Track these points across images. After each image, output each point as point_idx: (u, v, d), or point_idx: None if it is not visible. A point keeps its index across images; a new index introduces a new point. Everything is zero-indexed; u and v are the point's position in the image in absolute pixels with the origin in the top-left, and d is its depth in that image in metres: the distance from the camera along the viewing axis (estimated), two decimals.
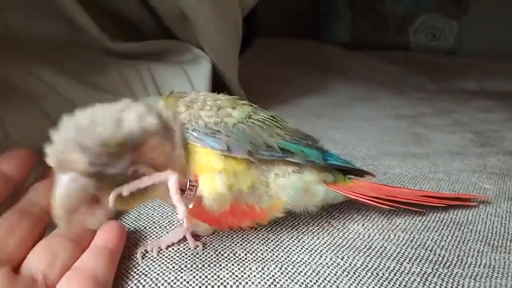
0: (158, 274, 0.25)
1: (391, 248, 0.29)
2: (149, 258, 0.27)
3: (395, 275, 0.27)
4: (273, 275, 0.26)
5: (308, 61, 1.08)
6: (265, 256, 0.28)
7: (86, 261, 0.24)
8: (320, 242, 0.29)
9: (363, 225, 0.32)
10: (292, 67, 0.98)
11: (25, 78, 0.36)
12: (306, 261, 0.27)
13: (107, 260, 0.24)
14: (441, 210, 0.35)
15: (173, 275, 0.25)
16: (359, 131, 0.59)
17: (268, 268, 0.26)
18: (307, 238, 0.30)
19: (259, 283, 0.25)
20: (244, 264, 0.27)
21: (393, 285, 0.26)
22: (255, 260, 0.27)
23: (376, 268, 0.27)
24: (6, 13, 0.36)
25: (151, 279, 0.25)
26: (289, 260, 0.27)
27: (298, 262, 0.27)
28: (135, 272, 0.26)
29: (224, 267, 0.26)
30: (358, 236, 0.31)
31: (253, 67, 0.86)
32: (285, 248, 0.29)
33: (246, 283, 0.25)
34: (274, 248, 0.29)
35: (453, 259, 0.29)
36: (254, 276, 0.26)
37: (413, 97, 0.88)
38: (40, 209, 0.26)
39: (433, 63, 1.31)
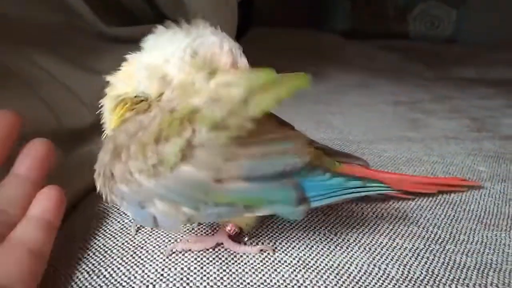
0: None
1: (384, 225, 0.30)
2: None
3: (387, 250, 0.27)
4: (268, 255, 0.26)
5: (305, 49, 1.08)
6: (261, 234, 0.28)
7: (21, 232, 0.23)
8: (314, 220, 0.30)
9: (356, 204, 0.32)
10: (289, 56, 0.97)
11: (21, 64, 0.36)
12: (300, 237, 0.28)
13: (44, 232, 0.23)
14: None
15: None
16: (355, 117, 0.59)
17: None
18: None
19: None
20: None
21: (385, 259, 0.26)
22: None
23: (368, 243, 0.27)
24: (1, 1, 0.36)
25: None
26: (283, 236, 0.28)
27: (292, 238, 0.27)
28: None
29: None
30: (352, 215, 0.31)
31: (248, 56, 0.86)
32: (279, 225, 0.29)
33: None
34: (269, 227, 0.29)
35: (445, 236, 0.29)
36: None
37: (411, 84, 0.88)
38: None
39: (432, 51, 1.30)
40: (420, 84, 0.88)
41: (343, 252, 0.26)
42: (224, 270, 0.24)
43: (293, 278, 0.24)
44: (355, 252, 0.26)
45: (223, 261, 0.25)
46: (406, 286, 0.24)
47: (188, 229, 0.28)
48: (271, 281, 0.24)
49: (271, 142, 0.23)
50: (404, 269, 0.25)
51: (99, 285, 0.24)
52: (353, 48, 1.26)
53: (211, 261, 0.25)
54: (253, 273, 0.24)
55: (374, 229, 0.29)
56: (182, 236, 0.27)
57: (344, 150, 0.45)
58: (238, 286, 0.23)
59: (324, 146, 0.31)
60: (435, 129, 0.55)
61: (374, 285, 0.24)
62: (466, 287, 0.24)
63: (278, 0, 1.33)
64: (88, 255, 0.26)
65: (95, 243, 0.27)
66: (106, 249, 0.27)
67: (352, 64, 1.07)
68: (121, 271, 0.24)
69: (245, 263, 0.25)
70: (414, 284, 0.24)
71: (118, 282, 0.24)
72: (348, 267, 0.25)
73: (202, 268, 0.24)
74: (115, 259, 0.25)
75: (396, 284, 0.24)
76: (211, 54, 0.23)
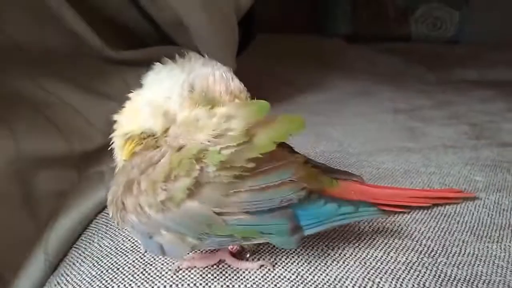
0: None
1: (379, 239, 0.31)
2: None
3: (381, 263, 0.29)
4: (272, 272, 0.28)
5: (307, 56, 1.09)
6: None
7: None
8: (312, 235, 0.31)
9: None
10: (290, 63, 0.99)
11: (32, 89, 0.38)
12: (299, 252, 0.29)
13: None
14: None
15: None
16: (355, 128, 0.61)
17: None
18: None
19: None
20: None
21: (378, 273, 0.28)
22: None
23: (364, 257, 0.29)
24: (11, 26, 0.38)
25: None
26: (282, 251, 0.29)
27: (291, 253, 0.29)
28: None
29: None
30: (349, 229, 0.32)
31: (250, 64, 0.88)
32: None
33: None
34: None
35: (438, 249, 0.31)
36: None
37: (412, 90, 0.89)
38: None
39: (434, 53, 1.31)
40: (420, 89, 0.89)
41: (340, 266, 0.28)
42: (228, 286, 0.26)
43: None
44: (350, 267, 0.28)
45: (227, 277, 0.27)
46: None
47: None
48: None
49: (269, 174, 0.25)
50: (396, 282, 0.27)
51: None
52: (355, 52, 1.27)
53: (215, 277, 0.27)
54: None
55: (369, 243, 0.31)
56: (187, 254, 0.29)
57: (343, 162, 0.46)
58: None
59: (320, 164, 0.32)
60: (434, 137, 0.57)
61: None
62: None
63: (278, 7, 1.34)
64: (102, 272, 0.28)
65: (107, 261, 0.29)
66: (118, 267, 0.29)
67: (353, 70, 1.08)
68: (132, 286, 0.26)
69: (247, 279, 0.27)
70: None
71: None
72: (344, 282, 0.27)
73: (207, 284, 0.26)
74: (126, 276, 0.27)
75: None
76: (206, 85, 0.25)
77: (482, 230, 0.34)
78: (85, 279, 0.28)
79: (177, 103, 0.26)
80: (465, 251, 0.31)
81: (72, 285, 0.28)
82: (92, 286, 0.27)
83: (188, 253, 0.29)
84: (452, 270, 0.28)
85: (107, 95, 0.40)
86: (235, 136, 0.24)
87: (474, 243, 0.32)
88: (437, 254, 0.30)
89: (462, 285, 0.27)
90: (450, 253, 0.30)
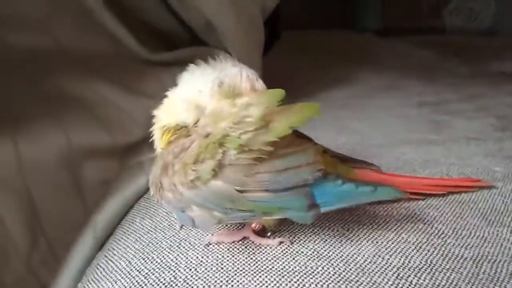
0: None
1: (392, 222, 0.34)
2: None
3: (392, 243, 0.31)
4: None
5: (336, 51, 1.10)
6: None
7: None
8: (329, 218, 0.34)
9: (370, 204, 0.36)
10: (317, 59, 1.01)
11: (79, 89, 0.43)
12: (316, 232, 0.32)
13: None
14: None
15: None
16: (378, 121, 0.63)
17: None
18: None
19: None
20: None
21: (389, 251, 0.30)
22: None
23: (376, 238, 0.32)
24: (58, 31, 0.43)
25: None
26: (301, 231, 0.32)
27: (309, 233, 0.32)
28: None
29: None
30: (365, 213, 0.35)
31: (276, 62, 0.90)
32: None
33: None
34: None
35: (448, 232, 0.33)
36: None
37: (442, 83, 0.89)
38: None
39: (469, 45, 1.28)
40: (450, 82, 0.89)
41: (353, 245, 0.31)
42: (251, 258, 0.30)
43: (308, 266, 0.29)
44: (363, 245, 0.31)
45: (250, 251, 0.30)
46: (405, 273, 0.28)
47: (221, 226, 0.34)
48: (289, 267, 0.29)
49: (287, 157, 0.28)
50: (405, 259, 0.29)
51: (153, 268, 0.30)
52: (385, 47, 1.27)
53: (240, 251, 0.30)
54: (275, 261, 0.29)
55: (382, 226, 0.33)
56: (216, 231, 0.33)
57: (363, 153, 0.48)
58: (262, 270, 0.28)
59: (338, 154, 0.35)
60: (458, 130, 0.57)
61: (376, 272, 0.28)
62: (460, 274, 0.28)
63: (304, 3, 1.35)
64: (143, 246, 0.33)
65: (148, 237, 0.34)
66: (157, 241, 0.33)
67: (383, 64, 1.08)
68: (170, 258, 0.31)
69: (268, 253, 0.30)
70: (412, 272, 0.28)
71: (168, 266, 0.30)
72: (356, 257, 0.29)
73: (233, 256, 0.30)
74: (164, 249, 0.32)
75: (396, 271, 0.28)
76: (234, 82, 0.29)
77: (494, 216, 0.35)
78: (129, 252, 0.33)
79: (207, 96, 0.29)
80: (475, 234, 0.33)
81: (118, 257, 0.33)
82: (135, 257, 0.32)
83: (216, 228, 0.32)
84: (460, 250, 0.30)
85: (145, 93, 0.45)
86: (253, 122, 0.27)
87: (485, 228, 0.33)
88: (447, 236, 0.32)
89: (468, 263, 0.29)
90: (460, 235, 0.32)
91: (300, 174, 0.28)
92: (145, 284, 0.28)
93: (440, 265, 0.29)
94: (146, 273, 0.29)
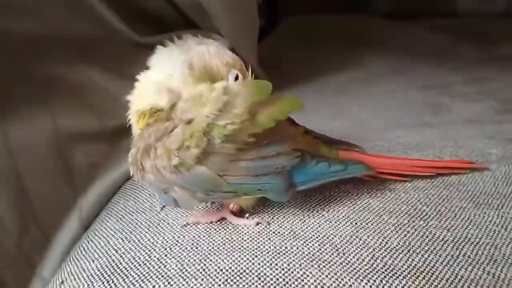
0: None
1: (374, 203, 0.33)
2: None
3: (371, 224, 0.30)
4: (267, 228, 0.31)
5: (340, 36, 1.08)
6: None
7: None
8: (310, 199, 0.34)
9: (354, 185, 0.36)
10: (322, 44, 0.99)
11: (68, 73, 0.43)
12: (295, 212, 0.32)
13: None
14: None
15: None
16: (378, 105, 0.61)
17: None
18: (300, 195, 0.34)
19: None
20: None
21: (367, 232, 0.30)
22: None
23: (356, 219, 0.31)
24: (49, 16, 0.43)
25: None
26: (280, 212, 0.32)
27: (287, 214, 0.32)
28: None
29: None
30: (347, 195, 0.34)
31: (279, 47, 0.89)
32: (278, 203, 0.33)
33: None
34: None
35: (431, 214, 0.32)
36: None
37: (449, 67, 0.86)
38: None
39: (481, 28, 1.24)
40: (457, 66, 0.86)
41: (331, 226, 0.30)
42: (227, 238, 0.30)
43: (283, 246, 0.28)
44: (341, 226, 0.30)
45: (227, 231, 0.30)
46: (381, 254, 0.28)
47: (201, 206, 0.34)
48: (264, 247, 0.28)
49: (268, 146, 0.28)
50: (383, 240, 0.29)
51: (129, 248, 0.30)
52: (393, 31, 1.23)
53: (217, 231, 0.30)
54: (251, 241, 0.29)
55: (364, 207, 0.33)
56: (193, 212, 0.32)
57: (355, 136, 0.47)
58: (236, 250, 0.28)
59: (322, 136, 0.35)
60: (458, 113, 0.56)
61: (352, 252, 0.28)
62: (439, 257, 0.27)
63: None
64: (123, 226, 0.33)
65: (129, 218, 0.34)
66: (137, 222, 0.33)
67: (389, 49, 1.05)
68: (147, 238, 0.31)
69: (245, 233, 0.30)
70: (388, 253, 0.28)
71: (144, 246, 0.30)
72: (332, 238, 0.29)
73: (209, 236, 0.30)
74: (143, 229, 0.32)
75: (372, 252, 0.28)
76: (203, 62, 0.28)
77: (483, 198, 0.34)
78: (109, 232, 0.33)
79: (179, 80, 0.29)
80: (460, 216, 0.32)
81: (99, 237, 0.33)
82: (114, 237, 0.32)
83: (197, 208, 0.32)
84: (441, 232, 0.30)
85: (135, 77, 0.45)
86: (239, 114, 0.27)
87: (472, 210, 0.32)
88: (430, 218, 0.31)
89: (448, 246, 0.28)
90: (444, 217, 0.31)
91: (279, 160, 0.29)
92: (120, 263, 0.29)
93: (419, 246, 0.28)
94: (123, 252, 0.30)
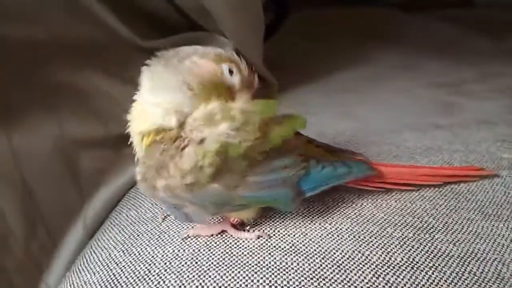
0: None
1: (379, 215, 0.32)
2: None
3: (375, 238, 0.30)
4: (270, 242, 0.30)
5: (351, 29, 1.05)
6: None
7: None
8: (313, 210, 0.33)
9: (358, 195, 0.35)
10: (332, 39, 0.97)
11: (73, 79, 0.43)
12: (297, 225, 0.31)
13: None
14: None
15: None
16: (387, 104, 0.60)
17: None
18: (302, 203, 0.32)
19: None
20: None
21: (371, 247, 0.29)
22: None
23: (359, 232, 0.30)
24: (51, 23, 0.43)
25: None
26: (281, 224, 0.32)
27: (289, 226, 0.31)
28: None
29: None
30: (351, 205, 0.34)
31: (288, 43, 0.88)
32: (280, 215, 0.33)
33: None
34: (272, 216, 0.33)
35: (438, 226, 0.31)
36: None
37: (462, 62, 0.83)
38: None
39: (498, 20, 1.19)
40: (472, 61, 0.83)
41: (333, 239, 0.30)
42: (227, 252, 0.29)
43: (283, 261, 0.28)
44: (344, 240, 0.30)
45: (227, 245, 0.30)
46: (384, 271, 0.27)
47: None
48: (264, 263, 0.28)
49: (276, 160, 0.29)
50: (386, 256, 0.28)
51: (130, 261, 0.30)
52: (407, 23, 1.20)
53: (217, 244, 0.30)
54: (251, 255, 0.29)
55: (368, 218, 0.32)
56: (194, 224, 0.32)
57: (362, 141, 0.46)
58: (237, 265, 0.28)
59: (324, 144, 0.34)
60: (470, 112, 0.54)
61: (354, 269, 0.27)
62: (443, 274, 0.27)
63: None
64: (125, 238, 0.33)
65: (131, 229, 0.34)
66: (139, 233, 0.33)
67: (402, 43, 1.03)
68: (147, 251, 0.31)
69: (245, 247, 0.30)
70: (392, 269, 0.27)
71: (144, 259, 0.30)
72: (334, 253, 0.28)
73: (209, 250, 0.30)
74: (144, 242, 0.32)
75: (375, 268, 0.27)
76: (198, 77, 0.28)
77: (492, 208, 0.33)
78: (111, 244, 0.33)
79: (184, 102, 0.28)
80: (467, 229, 0.31)
81: (101, 249, 0.33)
82: (115, 249, 0.32)
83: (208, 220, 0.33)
84: (447, 247, 0.29)
85: (138, 82, 0.44)
86: (253, 132, 0.27)
87: (479, 222, 0.31)
88: (436, 231, 0.30)
89: (453, 262, 0.28)
90: (450, 230, 0.31)
91: (287, 172, 0.29)
92: (121, 277, 0.29)
93: (423, 262, 0.27)
94: (123, 266, 0.30)
